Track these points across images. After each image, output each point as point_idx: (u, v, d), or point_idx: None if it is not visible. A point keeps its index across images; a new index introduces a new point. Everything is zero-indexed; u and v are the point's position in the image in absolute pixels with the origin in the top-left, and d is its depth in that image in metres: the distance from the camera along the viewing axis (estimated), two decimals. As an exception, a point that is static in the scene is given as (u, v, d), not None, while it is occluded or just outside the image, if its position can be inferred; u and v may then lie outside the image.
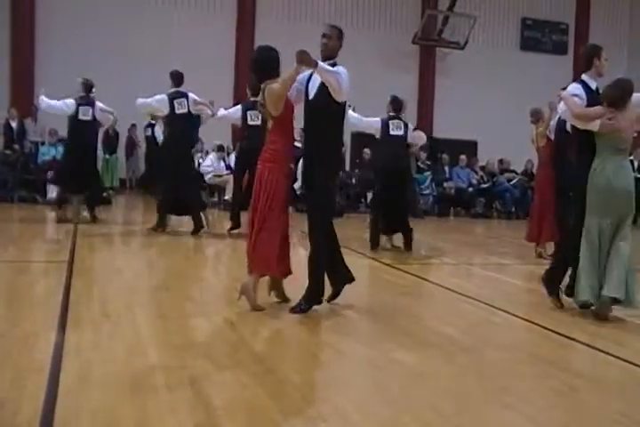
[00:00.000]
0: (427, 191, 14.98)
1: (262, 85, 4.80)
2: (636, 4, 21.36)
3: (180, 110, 8.67)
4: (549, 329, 4.49)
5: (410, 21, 19.11)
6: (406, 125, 8.19)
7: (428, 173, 15.00)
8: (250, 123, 8.51)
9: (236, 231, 8.79)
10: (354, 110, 7.84)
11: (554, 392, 3.27)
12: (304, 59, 4.76)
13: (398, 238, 8.25)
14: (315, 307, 4.74)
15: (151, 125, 12.13)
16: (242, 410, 2.85)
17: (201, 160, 14.08)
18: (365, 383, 3.34)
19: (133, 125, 15.78)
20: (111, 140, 15.78)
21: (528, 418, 2.88)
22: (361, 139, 17.41)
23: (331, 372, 3.45)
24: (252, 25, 17.88)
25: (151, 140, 12.07)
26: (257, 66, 5.02)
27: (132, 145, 16.41)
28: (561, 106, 5.27)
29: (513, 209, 15.13)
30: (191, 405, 2.82)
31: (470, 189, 15.17)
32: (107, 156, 15.76)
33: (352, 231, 11.23)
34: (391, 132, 8.05)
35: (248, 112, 8.50)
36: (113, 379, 3.11)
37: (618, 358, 3.83)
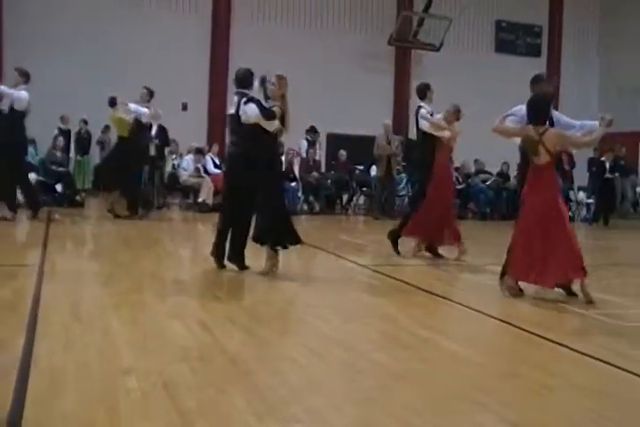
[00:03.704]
0: (402, 192, 15.01)
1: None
2: (607, 7, 21.62)
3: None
4: (525, 330, 4.50)
5: (385, 23, 19.16)
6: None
7: (404, 174, 15.04)
8: None
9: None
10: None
11: (529, 392, 3.28)
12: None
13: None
14: (290, 308, 4.71)
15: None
16: (216, 413, 2.82)
17: (175, 162, 13.99)
18: (341, 384, 3.31)
19: (107, 127, 15.63)
20: (83, 141, 15.59)
21: (503, 418, 2.87)
22: (337, 140, 17.50)
23: (306, 373, 3.43)
24: (227, 28, 17.77)
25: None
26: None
27: (104, 147, 16.20)
28: None
29: (487, 210, 15.21)
30: (164, 408, 2.78)
31: (445, 191, 15.20)
32: (78, 157, 15.57)
33: (328, 233, 11.23)
34: None
35: None
36: (84, 383, 3.06)
37: (592, 357, 3.84)
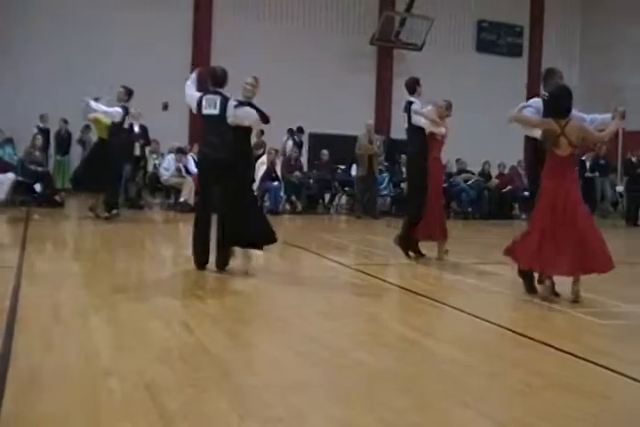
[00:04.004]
0: (385, 192, 15.04)
1: None
2: (588, 8, 21.79)
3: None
4: (508, 328, 4.52)
5: (367, 23, 19.18)
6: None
7: (386, 173, 15.07)
8: None
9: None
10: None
11: (511, 390, 3.29)
12: None
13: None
14: (272, 308, 4.70)
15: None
16: (197, 414, 2.79)
17: (156, 162, 13.90)
18: (323, 384, 3.30)
19: (87, 127, 15.49)
20: (63, 141, 15.44)
21: (485, 416, 2.88)
22: (319, 140, 17.49)
23: (288, 373, 3.41)
24: (209, 27, 17.68)
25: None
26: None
27: (85, 146, 16.04)
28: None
29: (469, 209, 15.26)
30: (145, 409, 2.75)
31: (427, 190, 15.24)
32: (58, 157, 15.42)
33: (310, 232, 11.23)
34: None
35: None
36: (64, 384, 3.02)
37: (575, 355, 3.86)
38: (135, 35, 16.63)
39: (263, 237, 6.32)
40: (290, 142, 15.10)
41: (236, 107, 6.09)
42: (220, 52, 17.01)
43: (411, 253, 7.58)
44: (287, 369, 3.48)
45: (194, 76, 6.58)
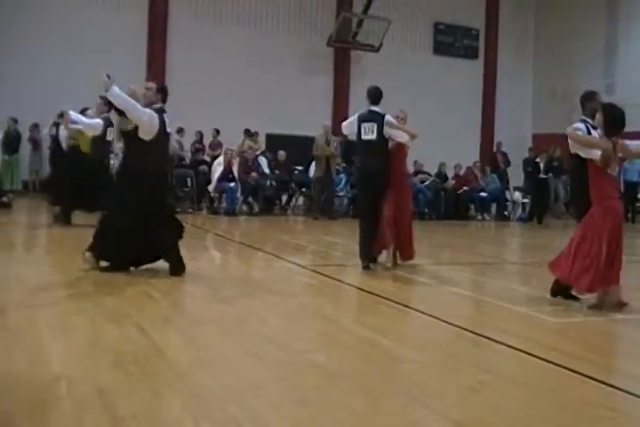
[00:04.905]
0: (342, 193, 15.08)
1: None
2: (541, 10, 22.17)
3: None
4: (462, 327, 4.56)
5: (325, 24, 19.21)
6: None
7: (343, 174, 15.10)
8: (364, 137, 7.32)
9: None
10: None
11: (465, 388, 3.32)
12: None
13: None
14: (228, 309, 4.66)
15: (56, 124, 11.57)
16: (151, 418, 2.75)
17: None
18: (280, 385, 3.29)
19: (35, 125, 15.20)
20: (11, 140, 15.06)
21: (440, 414, 2.90)
22: (276, 141, 17.44)
23: (245, 375, 3.39)
24: (165, 27, 17.46)
25: (55, 139, 11.40)
26: None
27: (34, 145, 15.68)
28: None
29: (426, 210, 15.40)
30: (96, 416, 2.70)
31: (384, 191, 15.33)
32: (6, 157, 15.01)
33: (267, 234, 11.20)
34: None
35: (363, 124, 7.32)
36: (11, 393, 2.94)
37: (525, 352, 3.92)
38: (94, 37, 16.31)
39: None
40: (247, 142, 15.07)
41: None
42: (175, 53, 16.86)
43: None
44: (243, 371, 3.46)
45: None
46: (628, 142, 5.26)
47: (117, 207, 6.20)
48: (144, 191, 6.04)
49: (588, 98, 5.85)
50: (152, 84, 6.37)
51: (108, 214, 6.31)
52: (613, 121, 5.22)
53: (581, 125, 5.56)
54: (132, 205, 6.04)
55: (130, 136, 6.21)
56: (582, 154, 5.31)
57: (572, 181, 6.80)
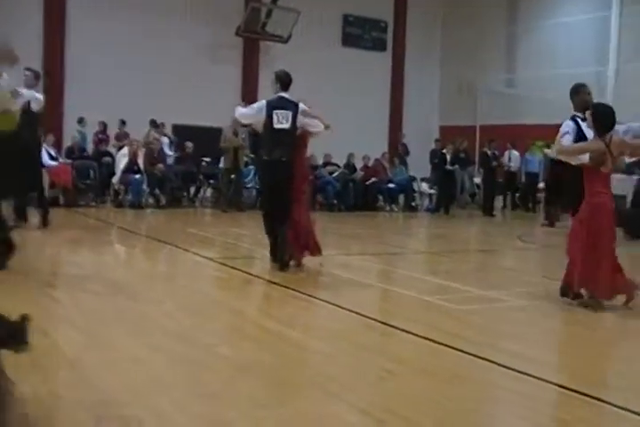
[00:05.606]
0: (250, 184, 14.97)
1: None
2: (449, 3, 22.61)
3: None
4: (370, 317, 4.60)
5: (233, 14, 18.94)
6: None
7: (252, 166, 14.99)
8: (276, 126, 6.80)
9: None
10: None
11: (375, 378, 3.35)
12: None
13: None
14: (133, 305, 4.54)
15: None
16: (49, 420, 2.64)
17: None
18: (186, 381, 3.21)
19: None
20: None
21: (351, 405, 2.91)
22: (183, 132, 17.12)
23: (149, 372, 3.29)
24: (62, 22, 16.69)
25: None
26: None
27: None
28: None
29: (334, 201, 15.50)
30: (-11, 419, 2.55)
31: (293, 182, 15.32)
32: None
33: (174, 226, 11.00)
34: None
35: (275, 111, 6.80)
36: None
37: (432, 340, 4.00)
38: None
39: None
40: (165, 139, 14.86)
41: None
42: (77, 42, 16.26)
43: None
44: (148, 368, 3.36)
45: None
46: (625, 135, 5.34)
47: None
48: None
49: (575, 92, 5.84)
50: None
51: None
52: (604, 121, 5.24)
53: (570, 124, 5.57)
54: None
55: None
56: (573, 162, 5.33)
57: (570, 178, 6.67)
